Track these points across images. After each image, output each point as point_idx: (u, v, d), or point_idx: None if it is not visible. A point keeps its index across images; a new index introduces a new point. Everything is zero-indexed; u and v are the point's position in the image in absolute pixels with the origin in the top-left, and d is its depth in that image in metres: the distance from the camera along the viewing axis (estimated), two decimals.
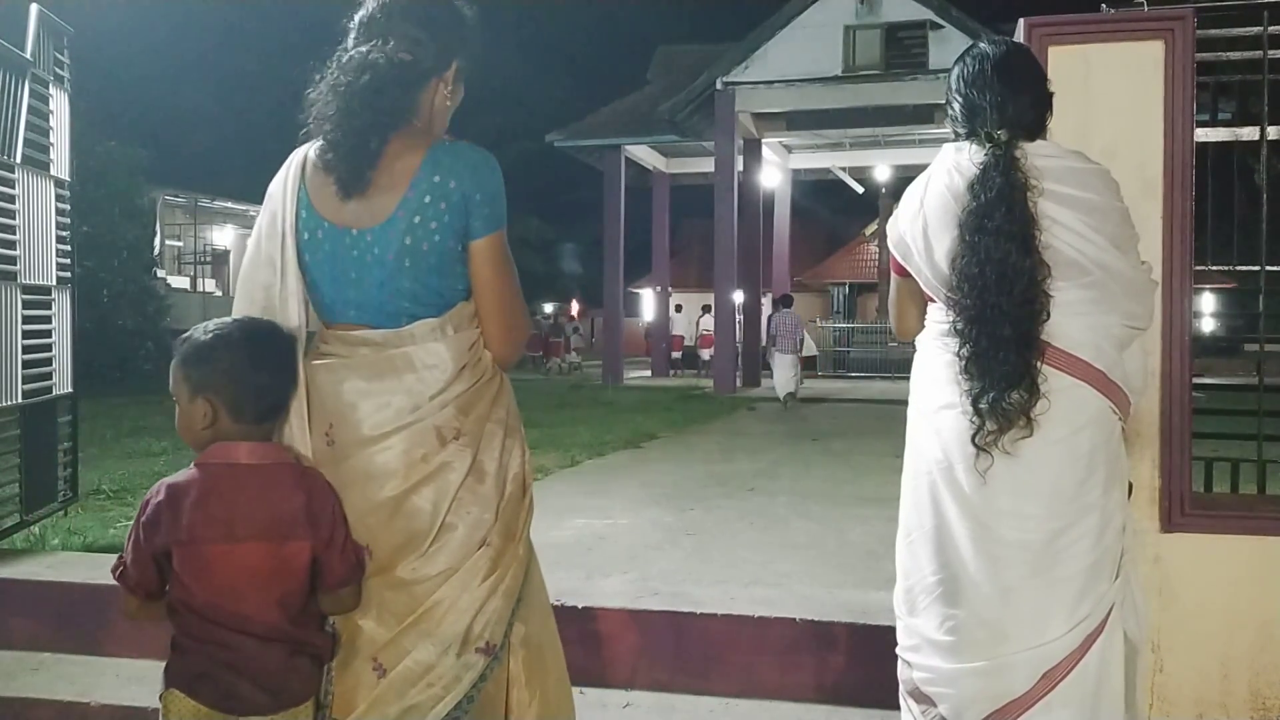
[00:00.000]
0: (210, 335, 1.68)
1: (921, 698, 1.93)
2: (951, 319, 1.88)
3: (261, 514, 1.62)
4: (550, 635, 1.86)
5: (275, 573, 1.63)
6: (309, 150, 1.77)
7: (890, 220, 2.04)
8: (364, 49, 1.72)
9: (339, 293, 1.71)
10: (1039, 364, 1.81)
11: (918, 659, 1.94)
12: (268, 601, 1.63)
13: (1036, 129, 1.94)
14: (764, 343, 15.74)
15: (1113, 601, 1.85)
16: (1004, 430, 1.81)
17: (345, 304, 1.71)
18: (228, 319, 1.73)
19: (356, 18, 1.79)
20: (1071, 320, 1.83)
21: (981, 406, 1.81)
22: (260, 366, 1.68)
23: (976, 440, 1.82)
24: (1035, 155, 1.86)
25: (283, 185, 1.76)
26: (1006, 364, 1.79)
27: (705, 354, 21.90)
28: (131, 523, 1.67)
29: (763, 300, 19.92)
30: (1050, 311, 1.81)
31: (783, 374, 13.92)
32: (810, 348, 18.37)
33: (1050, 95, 1.99)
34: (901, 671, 1.99)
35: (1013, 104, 1.91)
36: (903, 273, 2.03)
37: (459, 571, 1.66)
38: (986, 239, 1.80)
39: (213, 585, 1.63)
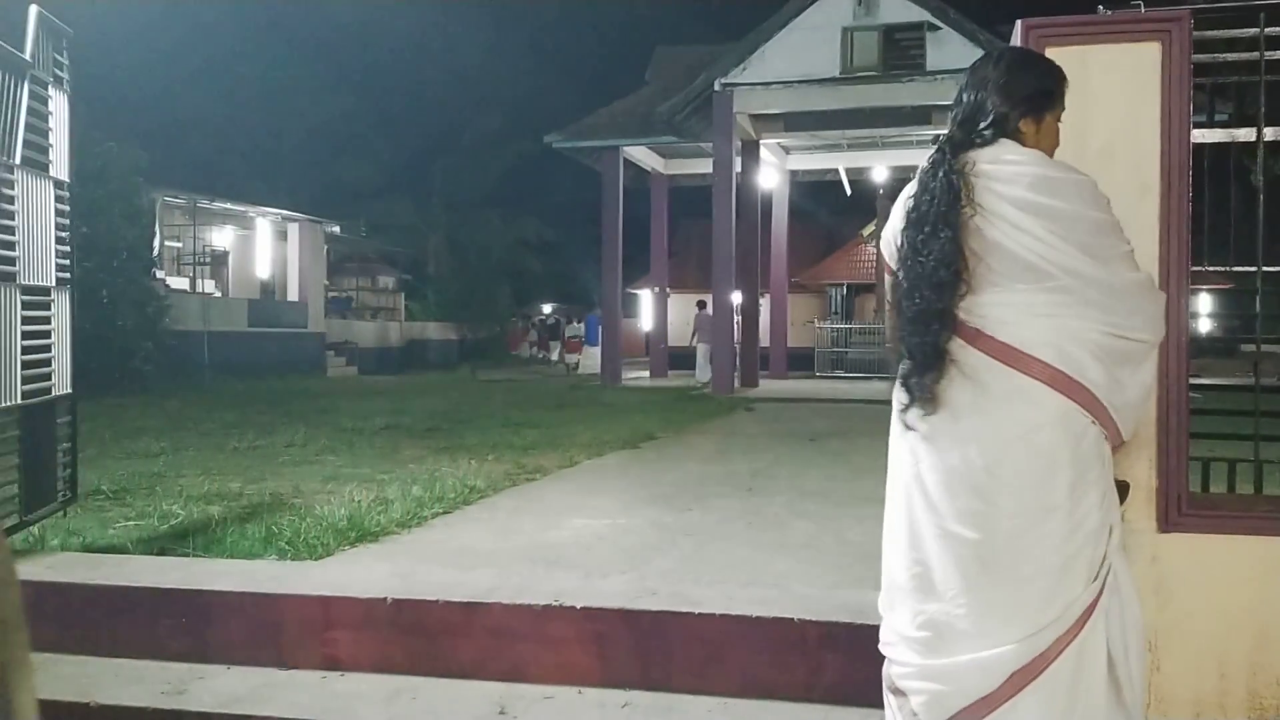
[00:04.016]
0: None
1: (899, 692, 1.98)
2: None
3: None
4: None
5: None
6: None
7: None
8: None
9: None
10: (947, 343, 1.88)
11: (894, 654, 1.99)
12: None
13: (1004, 130, 1.98)
14: (691, 340, 19.85)
15: (1086, 606, 1.85)
16: (930, 411, 1.90)
17: None
18: None
19: None
20: (1031, 321, 1.86)
21: (911, 384, 1.92)
22: None
23: (905, 418, 1.93)
24: (998, 159, 1.92)
25: None
26: (924, 342, 1.90)
27: (572, 358, 25.60)
28: None
29: (761, 300, 19.93)
30: (999, 310, 1.87)
31: (703, 361, 18.36)
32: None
33: (1034, 97, 2.01)
34: (885, 667, 2.03)
35: (972, 106, 2.00)
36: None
37: None
38: (911, 227, 1.95)
39: None
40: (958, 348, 1.89)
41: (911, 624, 1.93)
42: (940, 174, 1.93)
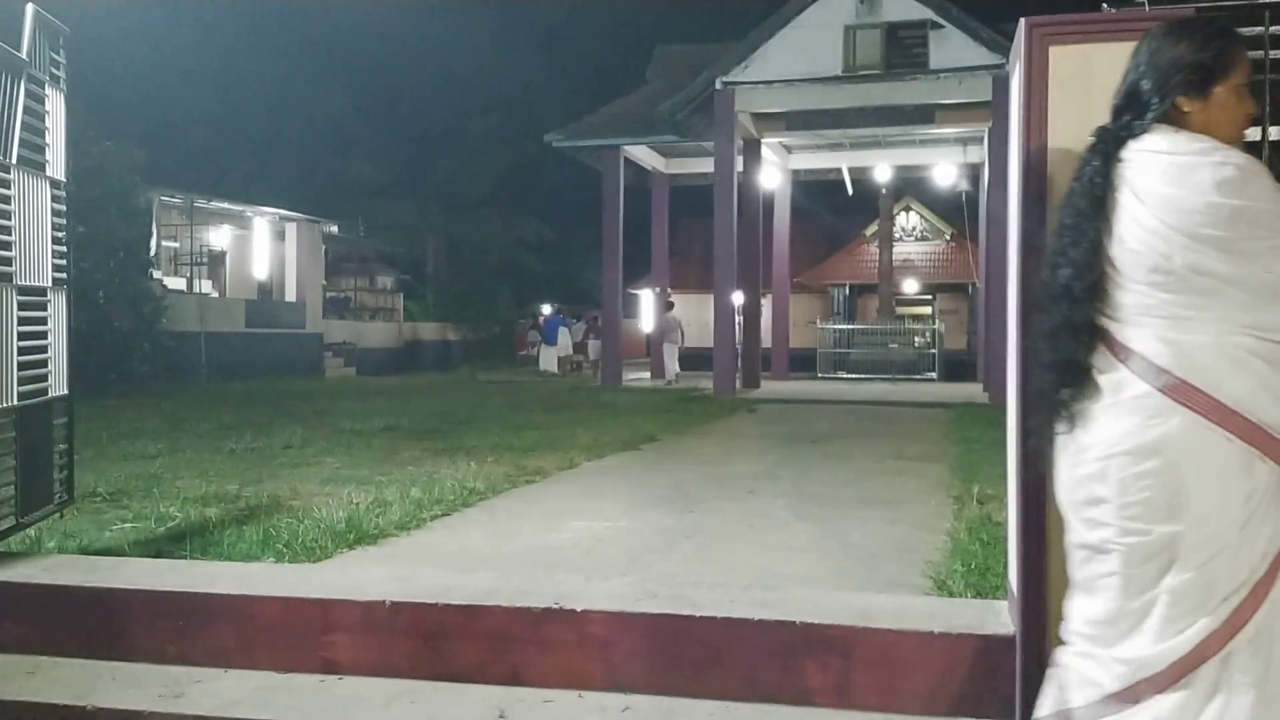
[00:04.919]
0: None
1: (1063, 665, 1.98)
2: None
3: None
4: None
5: None
6: None
7: None
8: None
9: None
10: (1087, 358, 1.83)
11: (1064, 634, 2.00)
12: None
13: (1160, 113, 1.85)
14: (655, 338, 21.63)
15: (1211, 632, 1.74)
16: (1054, 420, 1.89)
17: None
18: None
19: None
20: (1152, 323, 1.77)
21: (1051, 398, 1.89)
22: None
23: (1031, 424, 1.99)
24: (1143, 149, 1.82)
25: None
26: (1060, 359, 1.86)
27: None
28: None
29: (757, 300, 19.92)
30: (1127, 312, 1.79)
31: (670, 360, 20.22)
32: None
33: (1190, 69, 1.85)
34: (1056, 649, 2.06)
35: (1126, 92, 1.92)
36: None
37: None
38: (1054, 234, 1.92)
39: None
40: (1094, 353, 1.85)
41: (1078, 615, 1.94)
42: (1085, 175, 1.84)
